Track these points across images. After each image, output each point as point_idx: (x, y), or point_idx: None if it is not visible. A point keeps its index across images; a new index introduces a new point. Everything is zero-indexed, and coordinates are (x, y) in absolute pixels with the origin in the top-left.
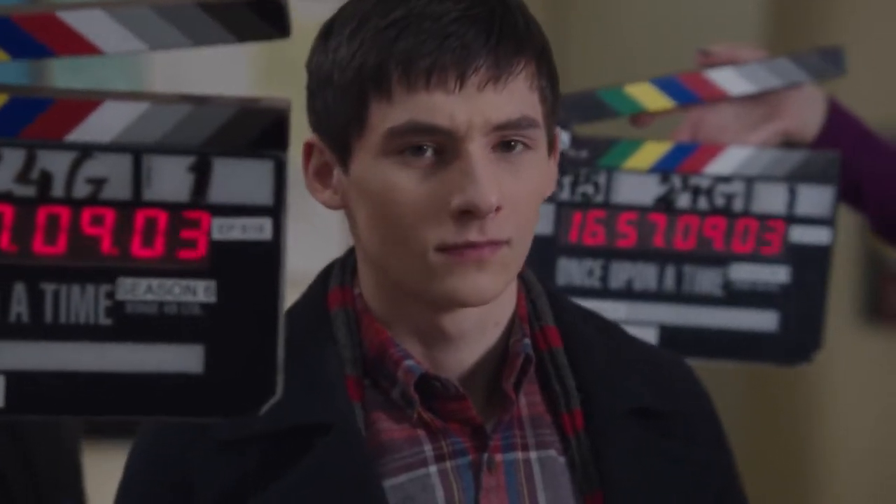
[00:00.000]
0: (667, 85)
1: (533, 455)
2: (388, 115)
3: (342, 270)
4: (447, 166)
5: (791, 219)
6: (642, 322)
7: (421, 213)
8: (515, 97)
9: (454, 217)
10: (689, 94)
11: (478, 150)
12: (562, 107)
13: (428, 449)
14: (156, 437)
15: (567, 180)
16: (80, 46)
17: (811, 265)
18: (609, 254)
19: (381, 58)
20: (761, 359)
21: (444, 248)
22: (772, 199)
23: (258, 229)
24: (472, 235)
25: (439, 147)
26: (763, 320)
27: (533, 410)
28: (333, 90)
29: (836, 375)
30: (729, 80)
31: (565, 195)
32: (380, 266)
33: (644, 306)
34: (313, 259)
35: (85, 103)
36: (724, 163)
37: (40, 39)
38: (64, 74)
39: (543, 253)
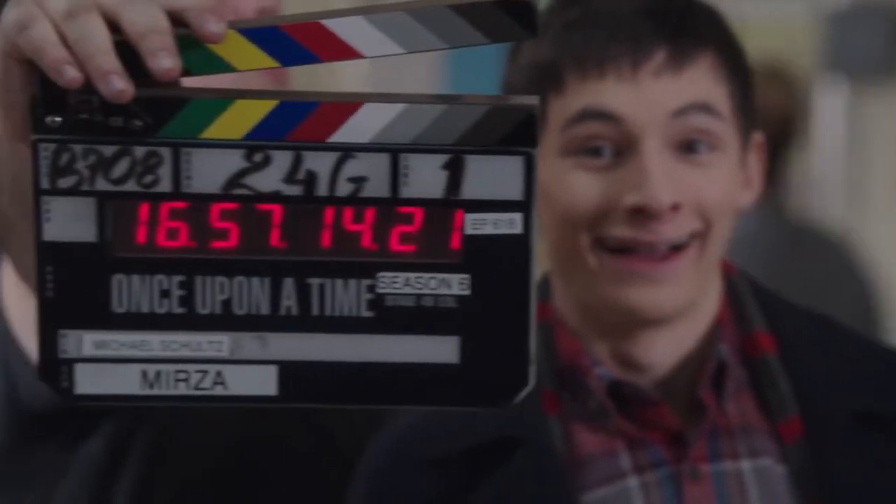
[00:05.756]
0: None
1: (746, 465)
2: (563, 108)
3: (543, 285)
4: (623, 165)
5: None
6: None
7: (593, 213)
8: (696, 85)
9: (627, 216)
10: None
11: (654, 146)
12: None
13: (626, 460)
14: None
15: None
16: (342, 52)
17: None
18: None
19: (555, 54)
20: None
21: (613, 248)
22: None
23: (509, 224)
24: (645, 234)
25: (617, 147)
26: None
27: (745, 419)
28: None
29: None
30: None
31: None
32: (561, 274)
33: None
34: None
35: (346, 105)
36: None
37: (307, 46)
38: None
39: None
